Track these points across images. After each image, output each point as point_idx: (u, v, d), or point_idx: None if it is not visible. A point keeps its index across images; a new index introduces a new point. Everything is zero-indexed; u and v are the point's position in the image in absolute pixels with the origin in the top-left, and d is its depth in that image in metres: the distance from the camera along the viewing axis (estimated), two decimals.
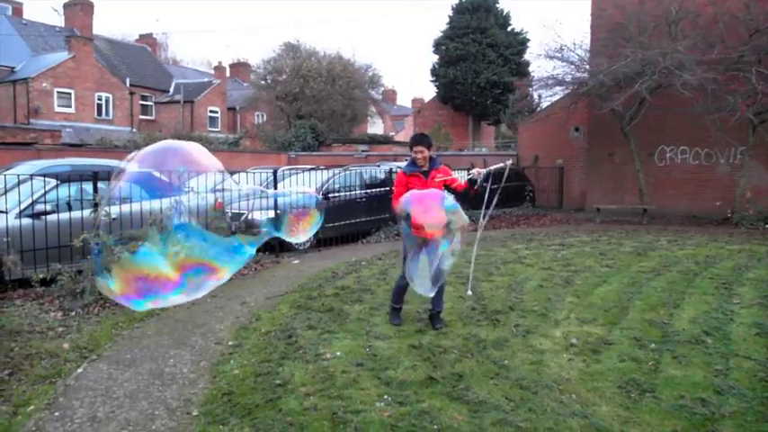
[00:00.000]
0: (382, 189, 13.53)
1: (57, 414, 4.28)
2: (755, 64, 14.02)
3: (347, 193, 12.89)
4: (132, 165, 3.89)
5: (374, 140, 33.94)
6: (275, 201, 10.08)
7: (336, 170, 13.48)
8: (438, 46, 37.10)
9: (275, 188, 10.96)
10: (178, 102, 38.66)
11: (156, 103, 39.39)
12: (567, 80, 17.41)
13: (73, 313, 6.79)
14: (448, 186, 6.10)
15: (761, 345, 5.46)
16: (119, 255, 4.90)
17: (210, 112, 40.41)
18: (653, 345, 5.49)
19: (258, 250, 9.93)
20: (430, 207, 5.49)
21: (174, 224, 4.33)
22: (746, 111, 13.88)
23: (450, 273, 6.35)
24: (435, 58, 37.70)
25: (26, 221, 8.00)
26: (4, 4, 37.79)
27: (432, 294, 5.67)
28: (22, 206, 8.13)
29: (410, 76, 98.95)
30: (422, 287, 5.49)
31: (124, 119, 34.88)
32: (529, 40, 37.00)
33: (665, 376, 4.74)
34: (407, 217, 5.94)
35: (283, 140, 29.72)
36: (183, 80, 41.70)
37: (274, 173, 11.68)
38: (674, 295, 7.34)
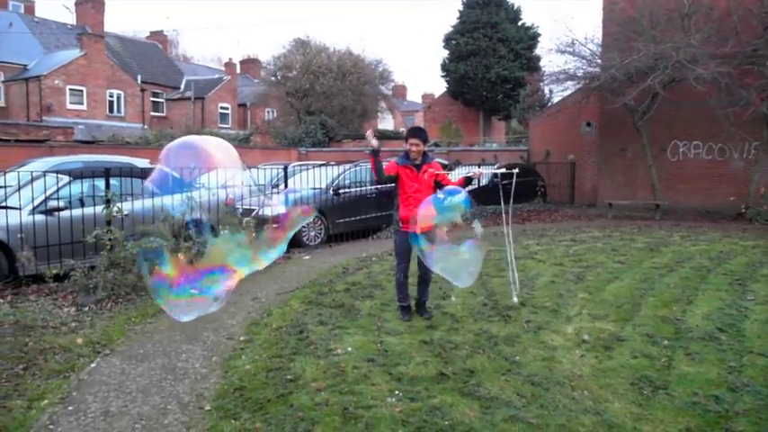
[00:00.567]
0: (392, 185, 13.49)
1: (70, 408, 4.32)
2: None
3: (357, 189, 12.89)
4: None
5: (384, 136, 33.87)
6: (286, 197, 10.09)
7: (347, 166, 13.47)
8: (448, 41, 36.97)
9: (285, 184, 10.97)
10: (189, 98, 38.79)
11: (167, 99, 39.55)
12: (579, 75, 17.30)
13: (86, 308, 6.84)
14: (438, 182, 6.20)
15: None
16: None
17: (221, 108, 40.52)
18: (666, 341, 5.46)
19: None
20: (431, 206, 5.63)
21: None
22: (761, 105, 13.76)
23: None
24: (446, 53, 37.57)
25: (39, 218, 8.06)
26: (17, 2, 38.06)
27: (469, 283, 5.86)
28: (36, 203, 8.19)
29: (420, 72, 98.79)
30: (460, 280, 5.69)
31: (135, 116, 35.05)
32: (540, 34, 36.78)
33: (678, 373, 4.71)
34: (396, 209, 6.15)
35: (294, 136, 29.76)
36: (194, 77, 41.82)
37: (285, 169, 11.70)
38: (687, 291, 7.29)
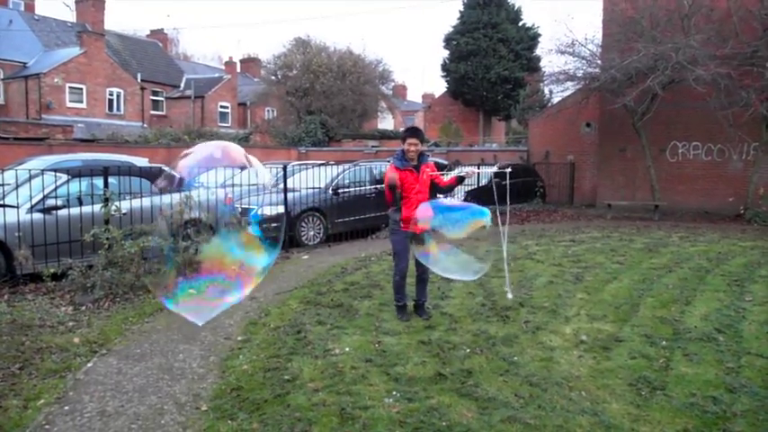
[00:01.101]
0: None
1: (66, 408, 4.30)
2: None
3: (357, 189, 12.88)
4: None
5: (384, 136, 33.89)
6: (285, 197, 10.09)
7: (346, 165, 13.46)
8: (449, 41, 36.99)
9: (285, 184, 10.95)
10: (189, 97, 38.73)
11: (166, 98, 39.49)
12: (579, 75, 17.30)
13: (83, 308, 6.83)
14: (432, 181, 6.24)
15: None
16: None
17: (221, 107, 40.47)
18: (664, 342, 5.45)
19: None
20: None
21: None
22: (760, 106, 13.75)
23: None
24: (446, 53, 37.61)
25: (37, 216, 8.05)
26: (17, 0, 37.98)
27: (474, 278, 5.99)
28: (34, 201, 8.17)
29: (421, 72, 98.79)
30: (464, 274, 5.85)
31: (135, 114, 35.01)
32: (540, 35, 36.82)
33: (676, 374, 4.70)
34: (397, 210, 6.07)
35: (293, 136, 29.74)
36: (194, 75, 41.76)
37: (284, 168, 11.68)
38: (685, 292, 7.29)
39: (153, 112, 37.78)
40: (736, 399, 4.23)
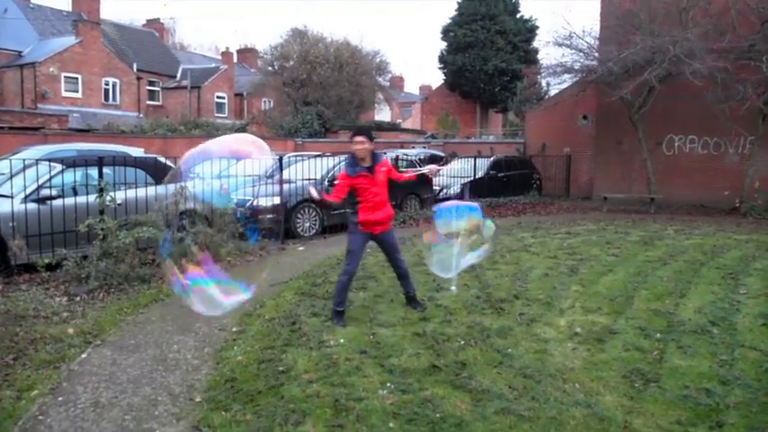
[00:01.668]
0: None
1: (60, 399, 4.30)
2: (766, 53, 13.85)
3: None
4: None
5: (381, 127, 33.80)
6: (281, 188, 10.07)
7: (343, 157, 13.41)
8: (446, 32, 36.90)
9: (281, 175, 10.94)
10: (185, 87, 38.57)
11: (163, 88, 39.32)
12: (576, 68, 17.28)
13: (78, 298, 6.81)
14: (390, 178, 6.07)
15: (767, 335, 5.43)
16: None
17: (218, 97, 40.33)
18: (658, 334, 5.46)
19: (263, 236, 10.01)
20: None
21: None
22: (757, 100, 13.76)
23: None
24: (443, 44, 37.52)
25: (32, 206, 8.01)
26: None
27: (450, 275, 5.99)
28: (28, 191, 8.13)
29: (418, 63, 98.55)
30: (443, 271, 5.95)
31: (131, 104, 34.86)
32: (538, 27, 36.80)
33: (670, 366, 4.72)
34: (354, 213, 5.90)
35: (290, 127, 29.68)
36: (191, 66, 41.58)
37: (280, 159, 11.65)
38: (680, 285, 7.30)
39: (149, 103, 37.62)
40: (730, 391, 4.25)
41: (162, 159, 10.24)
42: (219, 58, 46.55)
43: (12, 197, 8.03)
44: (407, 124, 46.48)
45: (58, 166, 8.66)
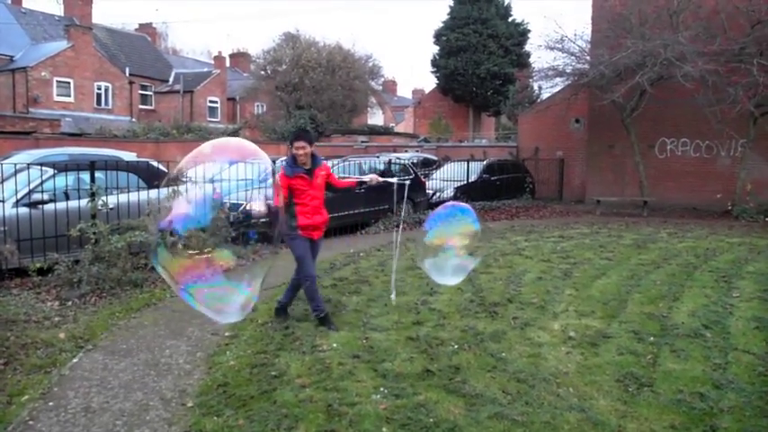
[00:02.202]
0: (382, 180, 13.43)
1: (51, 404, 4.26)
2: (757, 56, 13.93)
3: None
4: None
5: (374, 131, 33.89)
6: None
7: (335, 161, 13.41)
8: (438, 36, 36.99)
9: (274, 179, 10.88)
10: (178, 92, 38.51)
11: (155, 92, 39.24)
12: (568, 71, 17.33)
13: (69, 303, 6.76)
14: (329, 184, 6.01)
15: (760, 339, 5.44)
16: None
17: (210, 102, 40.27)
18: (651, 338, 5.47)
19: (256, 240, 9.96)
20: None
21: None
22: (748, 103, 13.82)
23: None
24: (436, 48, 37.60)
25: (23, 211, 7.95)
26: None
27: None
28: (19, 195, 8.07)
29: (410, 67, 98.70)
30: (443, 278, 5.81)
31: (123, 108, 34.75)
32: (530, 30, 36.95)
33: (664, 370, 4.72)
34: (293, 218, 5.81)
35: (283, 131, 29.64)
36: (183, 70, 41.54)
37: (273, 163, 11.60)
38: (673, 288, 7.31)
39: (141, 107, 37.54)
40: (723, 395, 4.25)
41: (154, 163, 10.19)
42: (212, 62, 46.56)
43: (3, 201, 7.98)
44: (400, 128, 46.56)
45: (50, 171, 8.60)
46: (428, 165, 20.08)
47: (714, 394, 4.25)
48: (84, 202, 8.17)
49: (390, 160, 15.07)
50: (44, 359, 5.07)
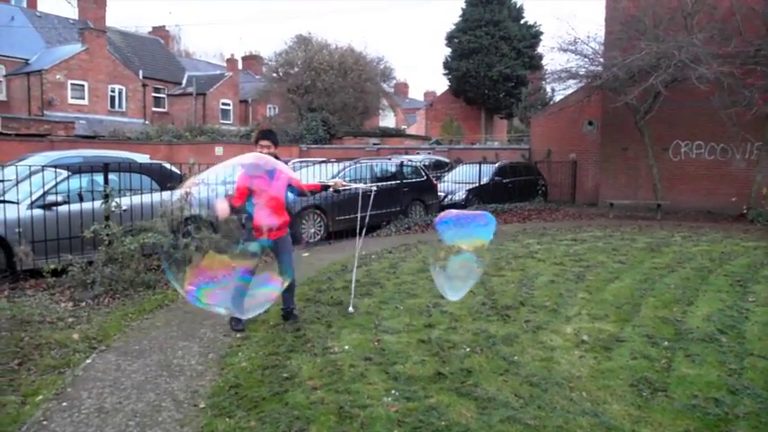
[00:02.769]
0: (393, 182, 13.47)
1: (65, 404, 4.28)
2: None
3: (358, 186, 12.83)
4: None
5: (386, 133, 33.89)
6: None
7: (347, 163, 13.43)
8: (451, 39, 36.97)
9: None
10: (191, 94, 38.71)
11: (168, 95, 39.49)
12: (581, 73, 17.26)
13: (83, 304, 6.80)
14: (290, 185, 5.83)
15: None
16: None
17: (223, 104, 40.45)
18: (665, 342, 5.42)
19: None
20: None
21: None
22: (763, 105, 13.70)
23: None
24: (448, 50, 37.59)
25: (37, 212, 8.02)
26: None
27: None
28: (34, 197, 8.15)
29: (422, 69, 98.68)
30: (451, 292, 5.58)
31: (137, 111, 35.02)
32: (542, 32, 36.86)
33: (678, 375, 4.67)
34: (249, 219, 5.67)
35: (295, 133, 29.73)
36: (196, 72, 41.74)
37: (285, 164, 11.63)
38: (687, 292, 7.25)
39: (155, 109, 37.79)
40: (739, 401, 4.20)
41: (167, 165, 10.25)
42: (224, 65, 46.76)
43: (18, 203, 8.06)
44: (412, 130, 46.54)
45: (64, 173, 8.68)
46: (440, 167, 20.05)
47: (729, 400, 4.20)
48: (97, 203, 8.23)
49: (402, 162, 15.06)
50: (58, 360, 5.11)
